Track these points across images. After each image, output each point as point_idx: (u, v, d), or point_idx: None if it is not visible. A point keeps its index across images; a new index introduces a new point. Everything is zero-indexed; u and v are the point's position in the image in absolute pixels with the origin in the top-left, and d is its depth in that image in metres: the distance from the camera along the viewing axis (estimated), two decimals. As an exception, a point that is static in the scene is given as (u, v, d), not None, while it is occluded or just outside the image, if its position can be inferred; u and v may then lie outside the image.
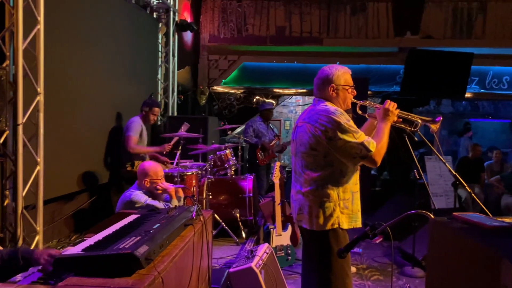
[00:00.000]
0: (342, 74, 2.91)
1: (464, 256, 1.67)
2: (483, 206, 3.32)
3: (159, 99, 7.63)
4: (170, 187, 3.89)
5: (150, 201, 3.74)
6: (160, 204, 3.74)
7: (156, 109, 5.45)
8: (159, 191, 3.87)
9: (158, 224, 2.27)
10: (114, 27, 5.67)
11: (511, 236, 1.66)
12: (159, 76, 7.64)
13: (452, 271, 1.78)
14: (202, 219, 2.75)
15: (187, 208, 2.75)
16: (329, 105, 2.84)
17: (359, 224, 2.89)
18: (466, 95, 8.31)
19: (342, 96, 2.91)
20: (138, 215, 2.64)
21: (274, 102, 9.59)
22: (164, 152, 5.20)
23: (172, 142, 4.98)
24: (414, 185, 6.39)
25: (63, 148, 4.54)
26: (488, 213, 3.24)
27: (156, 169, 3.93)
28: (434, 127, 2.93)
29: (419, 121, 2.95)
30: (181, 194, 4.02)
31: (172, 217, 2.46)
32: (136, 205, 3.69)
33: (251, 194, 5.45)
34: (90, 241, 2.03)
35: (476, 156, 7.66)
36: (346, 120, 2.72)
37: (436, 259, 1.97)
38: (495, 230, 1.70)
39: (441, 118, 2.95)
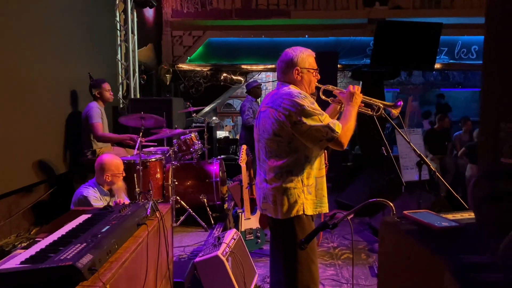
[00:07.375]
0: (306, 57, 2.84)
1: (412, 261, 1.64)
2: (445, 183, 3.37)
3: (120, 81, 7.33)
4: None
5: (97, 204, 3.48)
6: None
7: (105, 84, 5.17)
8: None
9: (107, 227, 2.18)
10: (66, 4, 5.32)
11: (459, 238, 1.63)
12: (118, 56, 7.31)
13: (401, 277, 1.73)
14: (158, 215, 2.62)
15: (141, 204, 2.61)
16: (293, 88, 2.77)
17: (325, 209, 2.87)
18: (435, 66, 8.28)
19: (307, 79, 2.85)
20: (89, 215, 2.52)
21: (242, 79, 9.38)
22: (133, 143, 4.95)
23: (144, 139, 4.72)
24: (385, 159, 6.34)
25: (16, 137, 4.27)
26: (451, 189, 3.26)
27: (116, 162, 3.72)
28: (395, 111, 2.96)
29: (381, 105, 2.96)
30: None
31: (124, 217, 2.36)
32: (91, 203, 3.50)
33: (218, 179, 5.31)
34: (31, 251, 1.91)
35: (443, 127, 7.65)
36: (310, 103, 2.66)
37: (386, 263, 1.91)
38: (443, 232, 1.66)
39: (401, 103, 2.98)
